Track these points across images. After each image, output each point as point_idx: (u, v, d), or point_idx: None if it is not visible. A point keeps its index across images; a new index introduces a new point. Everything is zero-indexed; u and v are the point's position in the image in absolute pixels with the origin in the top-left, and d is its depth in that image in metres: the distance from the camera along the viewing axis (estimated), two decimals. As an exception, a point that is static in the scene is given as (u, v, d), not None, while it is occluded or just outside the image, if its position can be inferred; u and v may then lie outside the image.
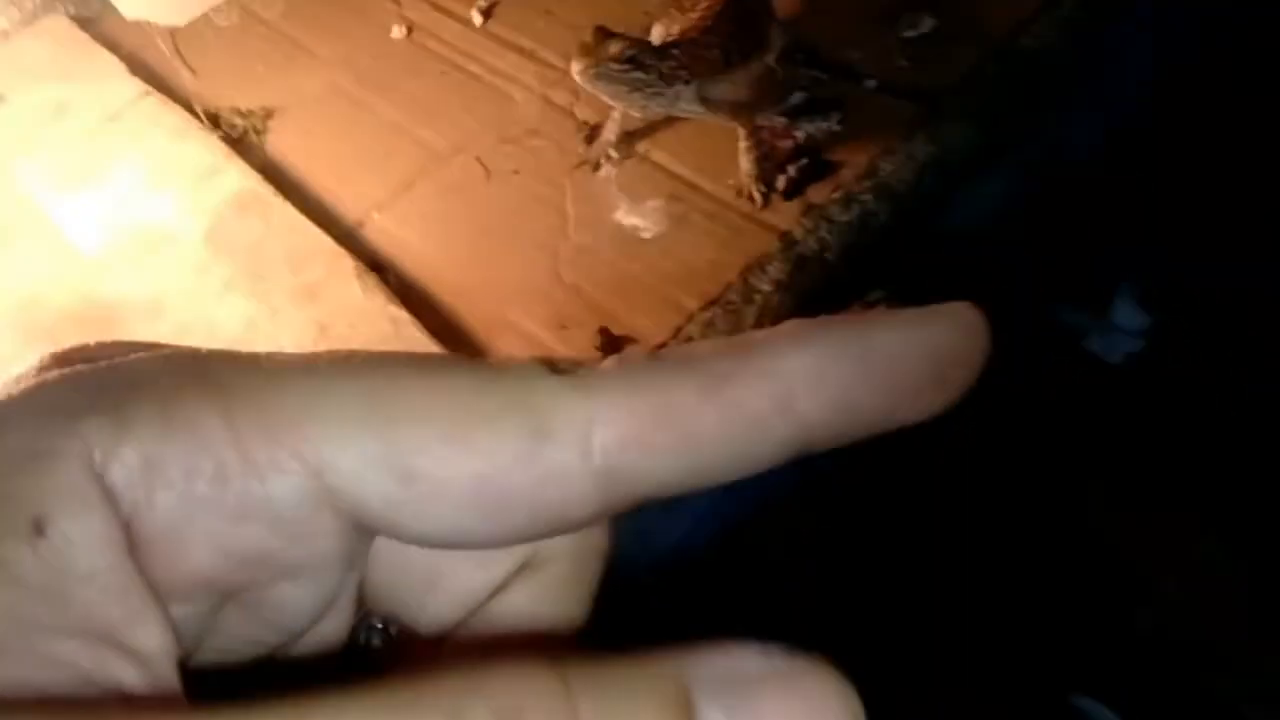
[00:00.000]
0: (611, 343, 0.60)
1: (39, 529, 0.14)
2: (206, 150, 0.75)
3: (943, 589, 1.01)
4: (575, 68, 0.61)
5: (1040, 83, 0.68)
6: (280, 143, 0.78)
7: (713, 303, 0.60)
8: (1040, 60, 0.68)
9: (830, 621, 0.96)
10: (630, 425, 0.15)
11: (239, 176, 0.72)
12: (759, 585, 0.72)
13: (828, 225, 0.62)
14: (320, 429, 0.15)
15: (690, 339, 0.59)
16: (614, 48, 0.61)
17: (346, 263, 0.65)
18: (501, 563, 0.18)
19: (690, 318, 0.60)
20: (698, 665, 0.13)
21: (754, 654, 0.14)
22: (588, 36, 0.61)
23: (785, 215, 0.64)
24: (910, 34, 0.72)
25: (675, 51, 0.65)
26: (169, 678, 0.15)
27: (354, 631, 0.18)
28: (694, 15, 0.69)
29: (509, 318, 0.63)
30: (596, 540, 0.18)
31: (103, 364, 0.15)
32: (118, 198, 0.73)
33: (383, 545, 0.17)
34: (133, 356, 0.15)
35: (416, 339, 0.60)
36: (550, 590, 0.18)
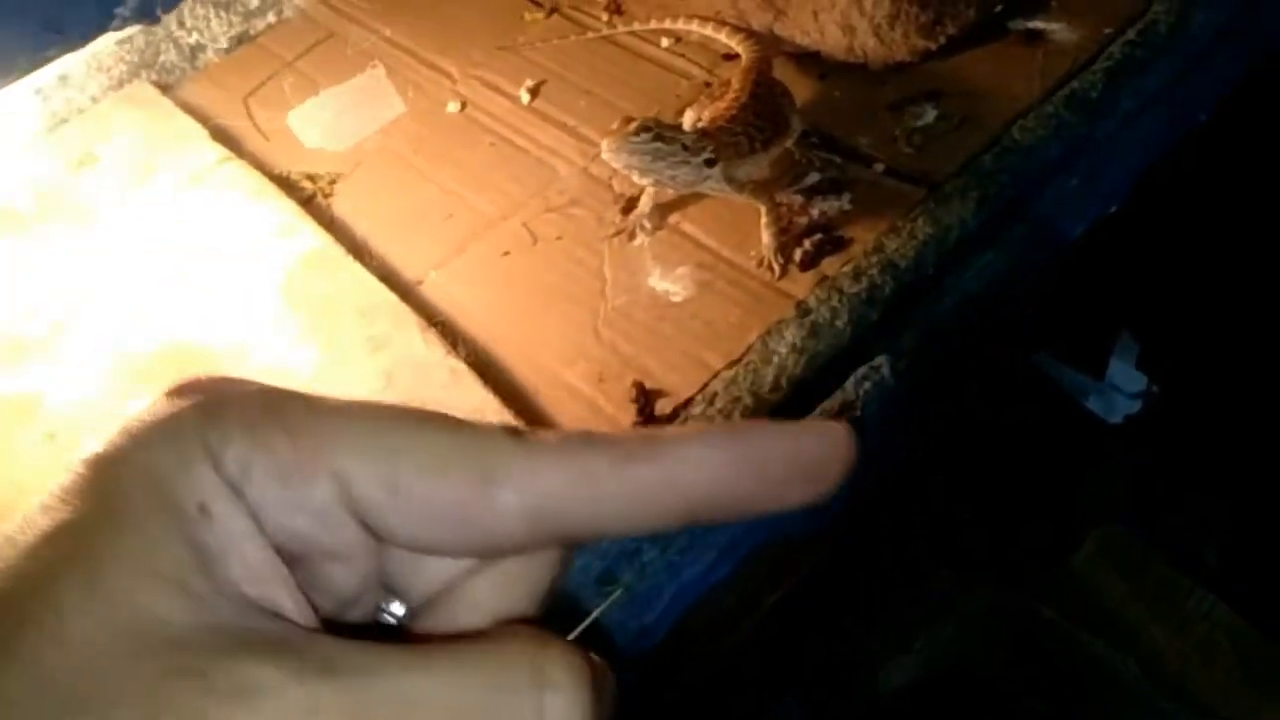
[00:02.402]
0: (645, 396, 0.67)
1: (205, 511, 0.21)
2: (281, 211, 0.83)
3: (934, 628, 1.07)
4: (603, 146, 0.68)
5: (1032, 171, 0.76)
6: (346, 205, 0.86)
7: (735, 362, 0.68)
8: (1032, 151, 0.76)
9: (835, 640, 1.02)
10: (556, 481, 0.22)
11: (311, 236, 0.81)
12: (773, 610, 0.79)
13: (839, 295, 0.69)
14: (345, 453, 0.22)
15: (715, 394, 0.67)
16: (633, 125, 0.68)
17: (410, 317, 0.73)
18: (466, 560, 0.24)
19: (715, 375, 0.68)
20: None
21: None
22: (615, 125, 0.69)
23: (801, 285, 0.72)
24: (914, 123, 0.80)
25: (704, 135, 0.73)
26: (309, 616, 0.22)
27: (376, 611, 0.25)
28: (722, 104, 0.78)
29: (553, 371, 0.71)
30: (547, 554, 0.24)
31: (211, 397, 0.22)
32: (202, 254, 0.81)
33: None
34: (229, 390, 0.22)
35: (473, 388, 0.68)
36: (505, 583, 0.24)
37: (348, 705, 0.18)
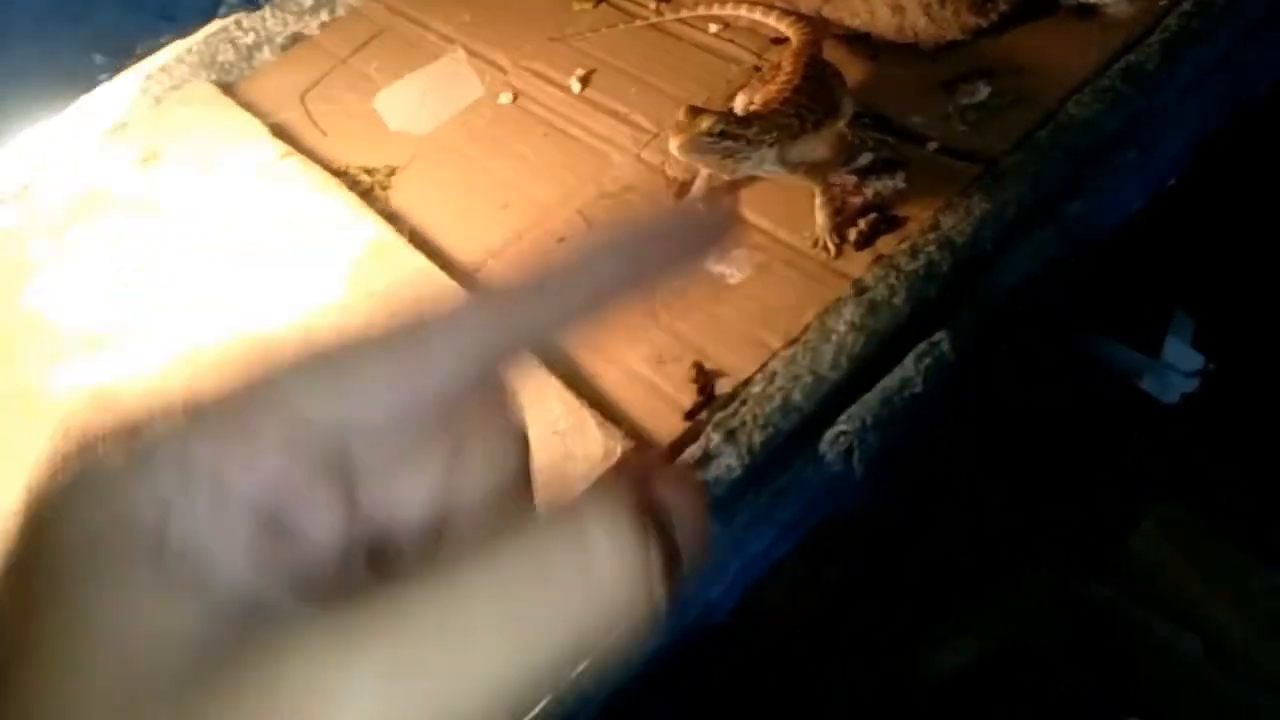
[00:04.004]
0: (705, 376, 0.68)
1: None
2: (342, 205, 0.85)
3: (991, 609, 1.07)
4: (673, 144, 0.69)
5: (1089, 146, 0.75)
6: (403, 197, 0.88)
7: (794, 341, 0.69)
8: (1088, 126, 0.75)
9: (892, 620, 1.02)
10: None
11: (371, 227, 0.82)
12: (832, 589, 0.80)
13: (896, 273, 0.70)
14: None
15: (774, 374, 0.67)
16: (705, 123, 0.69)
17: (471, 304, 0.74)
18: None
19: (774, 354, 0.68)
20: None
21: None
22: (681, 116, 0.70)
23: (857, 264, 0.72)
24: (968, 101, 0.80)
25: (758, 119, 0.74)
26: None
27: None
28: (774, 87, 0.78)
29: (612, 354, 0.72)
30: None
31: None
32: (267, 247, 0.84)
33: None
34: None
35: (535, 372, 0.69)
36: None
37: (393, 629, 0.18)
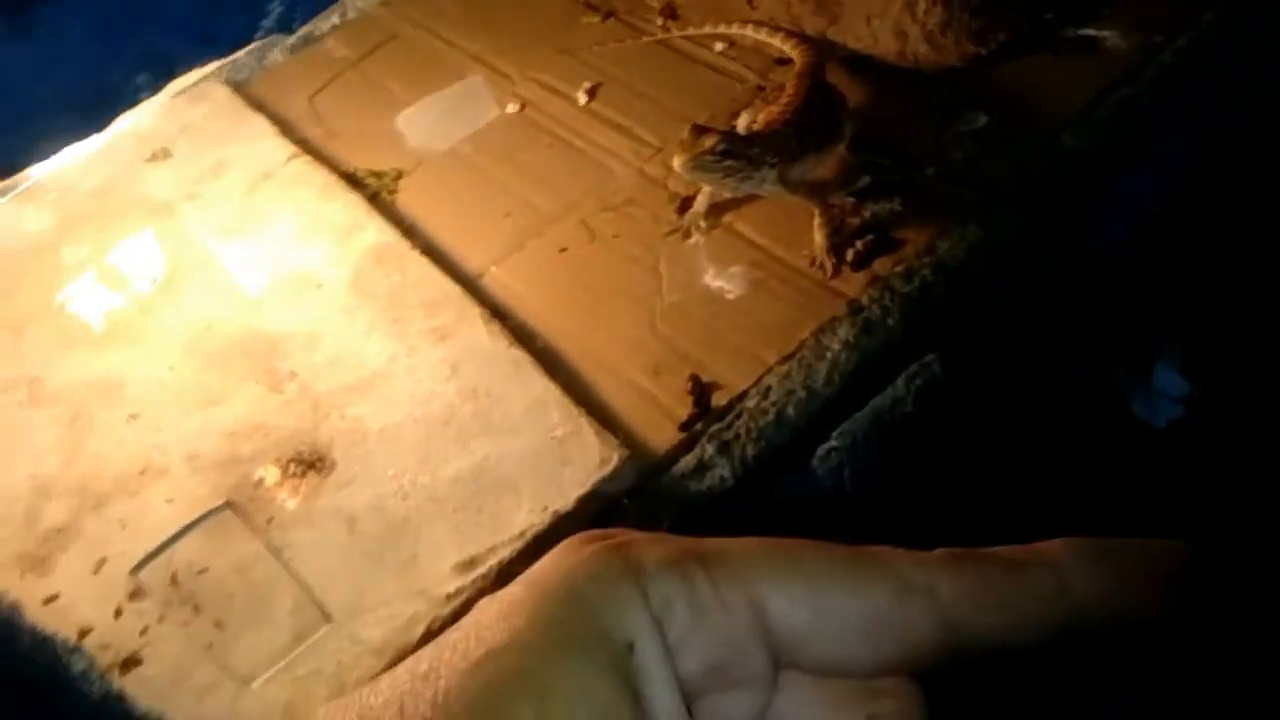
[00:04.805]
0: (701, 389, 0.70)
1: (631, 649, 0.22)
2: (349, 207, 0.86)
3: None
4: (676, 162, 0.71)
5: (1082, 174, 0.77)
6: (409, 201, 0.89)
7: (789, 357, 0.70)
8: (1082, 156, 0.77)
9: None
10: (962, 587, 0.23)
11: (378, 231, 0.84)
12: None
13: (891, 295, 0.71)
14: (764, 583, 0.23)
15: (769, 388, 0.69)
16: (709, 142, 0.71)
17: (473, 310, 0.76)
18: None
19: (769, 369, 0.70)
20: None
21: None
22: (685, 134, 0.72)
23: (853, 284, 0.74)
24: (965, 128, 0.82)
25: (759, 139, 0.76)
26: None
27: None
28: (776, 107, 0.80)
29: (610, 364, 0.73)
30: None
31: (623, 541, 0.24)
32: (274, 247, 0.85)
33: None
34: (638, 535, 0.24)
35: (535, 379, 0.70)
36: None
37: None
